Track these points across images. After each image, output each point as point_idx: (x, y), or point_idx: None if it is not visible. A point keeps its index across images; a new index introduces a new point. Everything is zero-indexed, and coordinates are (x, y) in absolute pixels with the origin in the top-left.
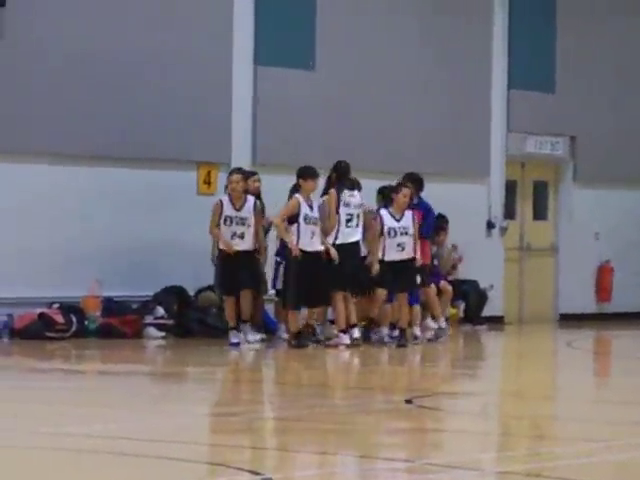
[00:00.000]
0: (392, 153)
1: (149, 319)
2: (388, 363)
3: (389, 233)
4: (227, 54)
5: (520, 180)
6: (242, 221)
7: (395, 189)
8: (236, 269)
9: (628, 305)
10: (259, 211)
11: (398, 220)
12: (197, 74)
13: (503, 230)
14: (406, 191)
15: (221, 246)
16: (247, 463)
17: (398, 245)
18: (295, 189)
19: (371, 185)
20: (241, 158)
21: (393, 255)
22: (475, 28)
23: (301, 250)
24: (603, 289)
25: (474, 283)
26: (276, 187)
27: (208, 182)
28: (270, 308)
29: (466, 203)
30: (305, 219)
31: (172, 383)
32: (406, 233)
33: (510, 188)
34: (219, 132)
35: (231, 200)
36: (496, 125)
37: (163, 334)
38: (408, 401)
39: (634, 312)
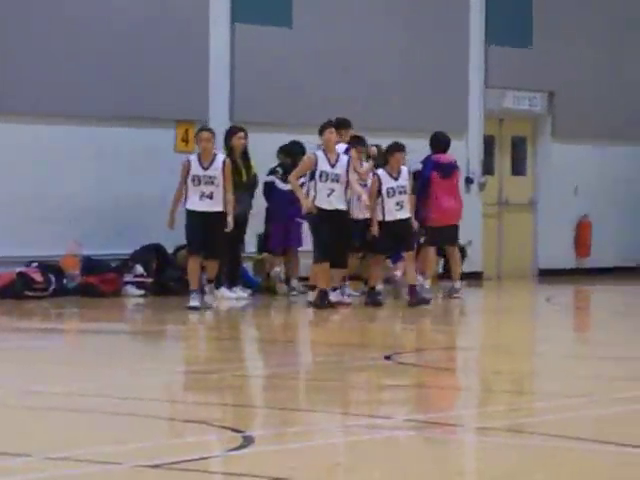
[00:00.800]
0: (370, 109)
1: (128, 277)
2: (368, 320)
3: (388, 193)
4: (204, 12)
5: (498, 136)
6: (210, 180)
7: (390, 152)
8: (205, 230)
9: (607, 260)
10: (228, 169)
11: (396, 178)
12: (174, 32)
13: (481, 186)
14: (398, 156)
15: (188, 207)
16: (228, 421)
17: (397, 204)
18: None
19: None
20: (219, 116)
21: (393, 214)
22: None
23: (318, 207)
24: (582, 244)
25: None
26: (254, 144)
27: (186, 140)
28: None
29: None
30: (321, 176)
31: (151, 341)
32: (404, 192)
33: (488, 144)
34: (197, 90)
35: (199, 159)
36: (474, 81)
37: (142, 292)
38: (387, 357)
39: (613, 267)
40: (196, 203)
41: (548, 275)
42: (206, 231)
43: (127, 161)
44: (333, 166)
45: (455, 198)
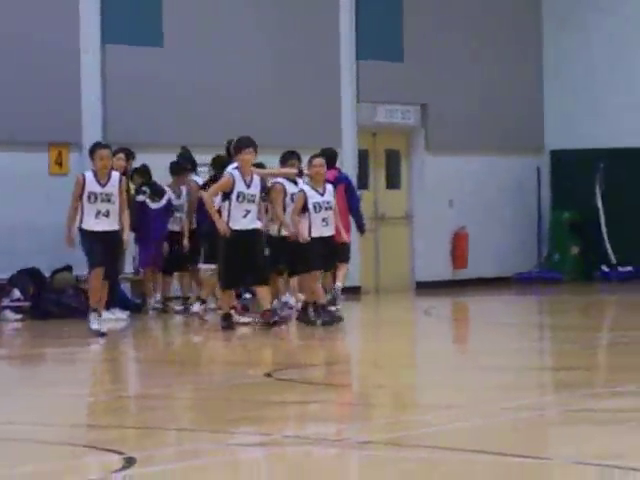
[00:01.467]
0: (244, 126)
1: (5, 302)
2: (249, 338)
3: (314, 208)
4: (74, 33)
5: (372, 150)
6: (107, 197)
7: (309, 162)
8: (102, 247)
9: (484, 271)
10: (124, 187)
11: (322, 194)
12: (45, 54)
13: None
14: (319, 161)
15: (83, 226)
16: (110, 442)
17: (323, 220)
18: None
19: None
20: (92, 137)
21: (319, 231)
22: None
23: (232, 229)
24: (459, 256)
25: None
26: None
27: (60, 162)
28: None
29: None
30: (238, 197)
31: (30, 365)
32: (330, 208)
33: (362, 158)
34: (69, 112)
35: (95, 175)
36: (346, 96)
37: (20, 316)
38: (268, 374)
39: (490, 278)
40: (92, 222)
41: (426, 287)
42: (102, 248)
43: (1, 185)
44: (248, 187)
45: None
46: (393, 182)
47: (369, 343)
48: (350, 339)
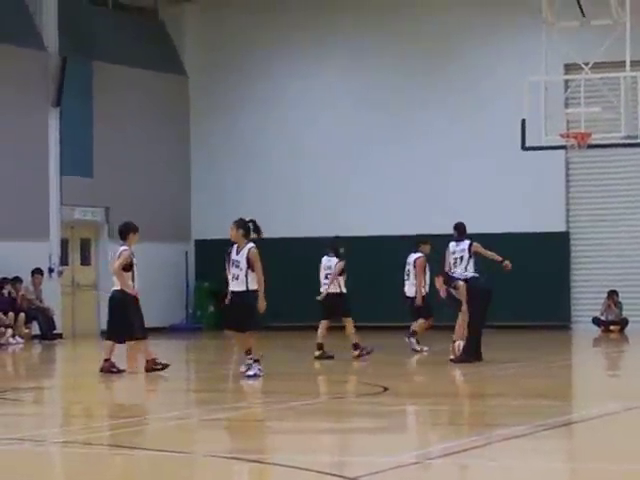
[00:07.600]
0: None
1: None
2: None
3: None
4: None
5: (71, 238)
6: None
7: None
8: None
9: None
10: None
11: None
12: None
13: (60, 273)
14: None
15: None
16: None
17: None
18: None
19: None
20: None
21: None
22: (31, 129)
23: None
24: None
25: (45, 310)
26: None
27: None
28: None
29: (30, 258)
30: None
31: None
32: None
33: (64, 244)
34: None
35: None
36: (53, 200)
37: None
38: None
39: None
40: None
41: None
42: None
43: None
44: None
45: None
46: (85, 260)
47: (68, 370)
48: (55, 369)
